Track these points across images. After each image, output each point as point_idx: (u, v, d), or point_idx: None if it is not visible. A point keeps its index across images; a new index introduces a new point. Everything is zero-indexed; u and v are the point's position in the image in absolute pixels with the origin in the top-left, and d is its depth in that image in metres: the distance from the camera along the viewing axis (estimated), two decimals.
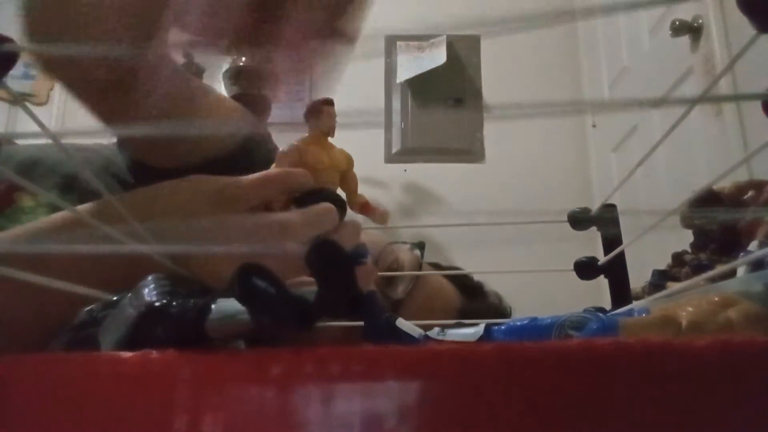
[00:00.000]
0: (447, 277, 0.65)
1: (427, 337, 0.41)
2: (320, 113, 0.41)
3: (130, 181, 0.56)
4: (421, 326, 0.33)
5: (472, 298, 0.67)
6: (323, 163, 0.42)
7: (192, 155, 0.51)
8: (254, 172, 0.55)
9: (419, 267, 0.57)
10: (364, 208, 0.45)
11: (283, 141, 0.61)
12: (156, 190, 0.40)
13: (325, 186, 0.42)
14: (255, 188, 0.38)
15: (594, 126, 2.12)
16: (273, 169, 0.40)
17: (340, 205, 0.40)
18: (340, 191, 0.43)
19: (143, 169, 0.54)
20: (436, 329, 0.42)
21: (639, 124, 1.76)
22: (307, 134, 0.44)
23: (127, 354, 0.16)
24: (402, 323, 0.43)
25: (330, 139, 0.44)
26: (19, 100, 0.18)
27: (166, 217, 0.38)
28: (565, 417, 0.15)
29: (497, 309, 0.69)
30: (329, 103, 0.42)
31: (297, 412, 0.15)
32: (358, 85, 2.11)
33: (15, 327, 0.36)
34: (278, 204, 0.39)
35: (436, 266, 0.67)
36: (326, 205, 0.38)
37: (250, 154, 0.56)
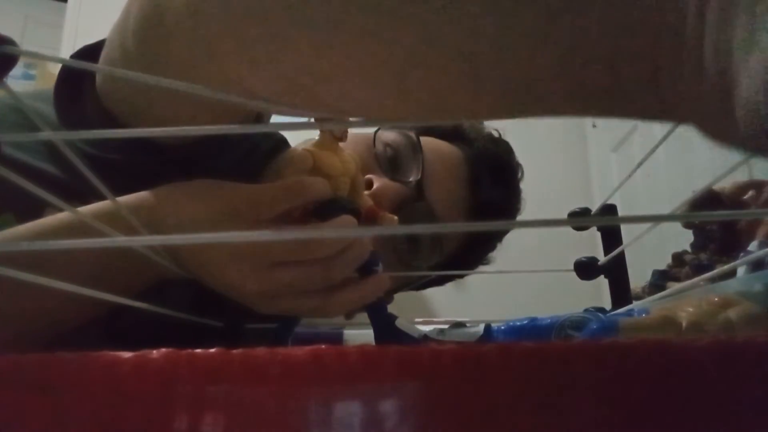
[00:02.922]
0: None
1: (426, 337, 0.41)
2: (332, 118, 0.41)
3: (91, 152, 0.45)
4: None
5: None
6: (337, 169, 0.41)
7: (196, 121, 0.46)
8: (257, 154, 0.54)
9: None
10: (371, 212, 0.44)
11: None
12: (165, 194, 0.38)
13: (340, 195, 0.41)
14: (276, 200, 0.37)
15: (594, 126, 2.12)
16: (291, 177, 0.39)
17: (356, 215, 0.40)
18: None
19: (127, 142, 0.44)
20: (436, 329, 0.42)
21: (639, 124, 1.76)
22: (317, 138, 0.43)
23: (127, 354, 0.16)
24: (402, 324, 0.43)
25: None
26: (19, 100, 0.18)
27: (175, 227, 0.37)
28: (565, 416, 0.15)
29: None
30: None
31: (296, 412, 0.15)
32: None
33: (19, 327, 0.36)
34: (295, 213, 0.39)
35: None
36: (347, 218, 0.38)
37: (251, 136, 0.55)
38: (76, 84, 0.46)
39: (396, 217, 0.45)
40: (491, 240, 0.68)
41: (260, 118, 0.50)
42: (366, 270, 0.40)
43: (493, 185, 0.61)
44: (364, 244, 0.39)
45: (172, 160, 0.44)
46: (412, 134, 0.57)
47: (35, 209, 0.38)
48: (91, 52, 0.45)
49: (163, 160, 0.44)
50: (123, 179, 0.36)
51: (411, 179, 0.55)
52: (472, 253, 0.66)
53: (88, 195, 0.35)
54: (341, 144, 0.43)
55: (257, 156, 0.54)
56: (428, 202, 0.55)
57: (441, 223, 0.56)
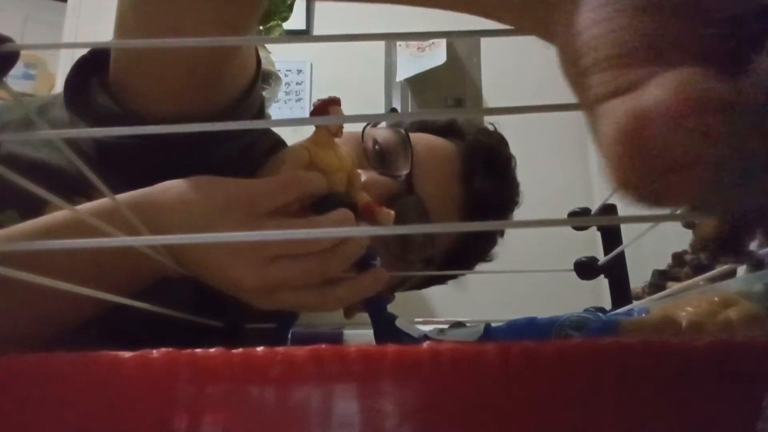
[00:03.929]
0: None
1: (426, 337, 0.41)
2: (328, 114, 0.40)
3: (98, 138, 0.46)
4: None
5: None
6: (333, 164, 0.41)
7: (201, 102, 0.47)
8: (254, 152, 0.54)
9: None
10: (368, 207, 0.44)
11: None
12: (163, 190, 0.38)
13: (337, 190, 0.41)
14: (272, 194, 0.37)
15: None
16: (287, 172, 0.39)
17: (353, 210, 0.40)
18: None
19: (130, 122, 0.45)
20: (436, 329, 0.42)
21: None
22: (312, 133, 0.43)
23: (127, 354, 0.16)
24: (402, 323, 0.43)
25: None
26: (19, 100, 0.18)
27: (173, 222, 0.37)
28: (565, 416, 0.15)
29: None
30: (337, 102, 0.40)
31: (297, 412, 0.15)
32: (358, 86, 2.11)
33: (17, 330, 0.36)
34: (293, 208, 0.39)
35: None
36: (344, 212, 0.38)
37: (250, 132, 0.55)
38: (85, 80, 0.47)
39: (393, 213, 0.45)
40: (491, 234, 0.68)
41: (259, 115, 0.51)
42: (363, 264, 0.40)
43: (486, 176, 0.60)
44: (360, 238, 0.39)
45: (176, 142, 0.45)
46: (402, 130, 0.57)
47: (39, 205, 0.38)
48: (99, 53, 0.46)
49: (168, 142, 0.45)
50: (129, 165, 0.36)
51: (400, 173, 0.55)
52: (470, 248, 0.65)
53: (95, 186, 0.35)
54: (337, 140, 0.43)
55: (255, 154, 0.54)
56: (418, 196, 0.55)
57: (433, 216, 0.56)
